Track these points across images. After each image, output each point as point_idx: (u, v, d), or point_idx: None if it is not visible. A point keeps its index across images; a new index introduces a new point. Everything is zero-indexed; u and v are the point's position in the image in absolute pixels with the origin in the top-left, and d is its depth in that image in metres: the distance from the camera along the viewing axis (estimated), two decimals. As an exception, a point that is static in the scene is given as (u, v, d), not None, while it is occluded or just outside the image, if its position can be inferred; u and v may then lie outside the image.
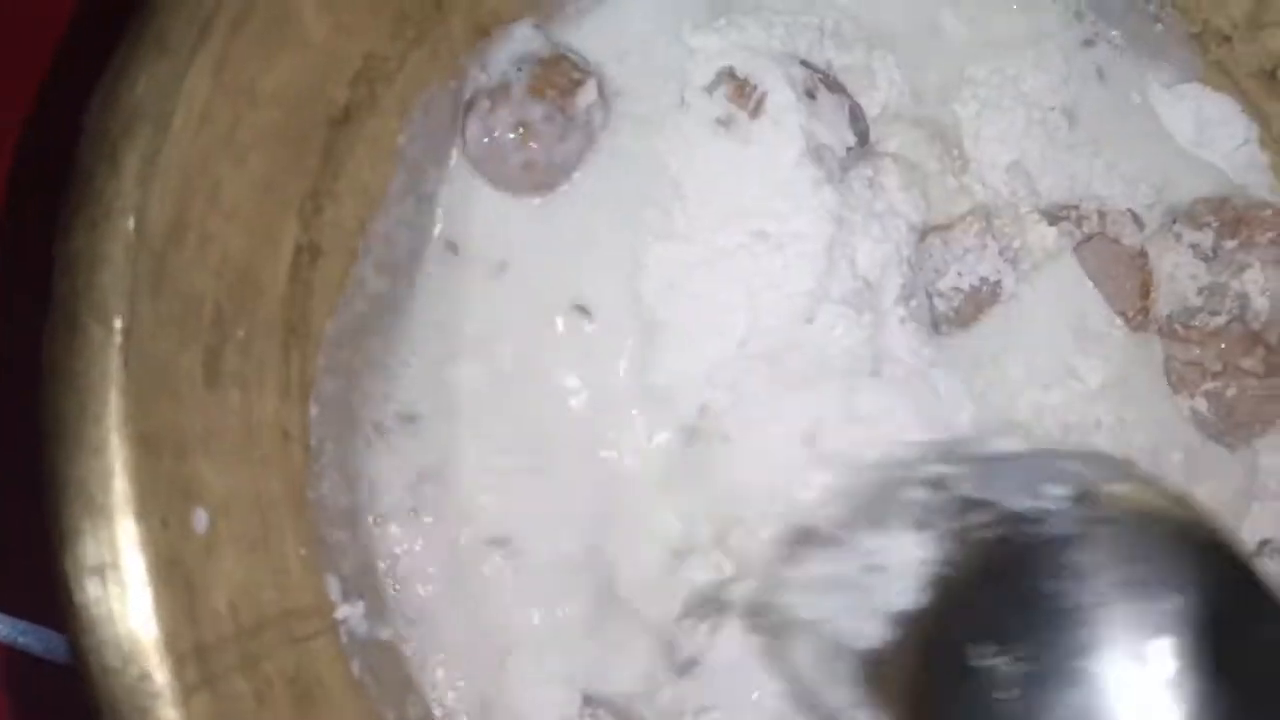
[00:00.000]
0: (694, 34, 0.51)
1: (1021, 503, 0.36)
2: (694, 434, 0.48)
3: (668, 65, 0.51)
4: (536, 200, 0.50)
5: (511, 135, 0.48)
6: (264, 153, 0.39)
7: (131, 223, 0.34)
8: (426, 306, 0.49)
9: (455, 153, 0.49)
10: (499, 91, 0.49)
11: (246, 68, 0.37)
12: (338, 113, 0.42)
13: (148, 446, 0.34)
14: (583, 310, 0.49)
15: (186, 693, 0.34)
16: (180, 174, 0.36)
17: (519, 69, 0.49)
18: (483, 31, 0.48)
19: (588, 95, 0.49)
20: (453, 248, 0.50)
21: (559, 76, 0.49)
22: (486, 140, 0.48)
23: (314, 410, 0.43)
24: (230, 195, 0.38)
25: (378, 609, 0.44)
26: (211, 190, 0.37)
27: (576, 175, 0.49)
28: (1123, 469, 0.41)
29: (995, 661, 0.32)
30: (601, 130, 0.49)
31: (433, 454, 0.47)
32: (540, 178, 0.49)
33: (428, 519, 0.47)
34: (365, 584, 0.45)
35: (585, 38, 0.52)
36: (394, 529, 0.46)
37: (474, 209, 0.50)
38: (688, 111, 0.50)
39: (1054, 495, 0.35)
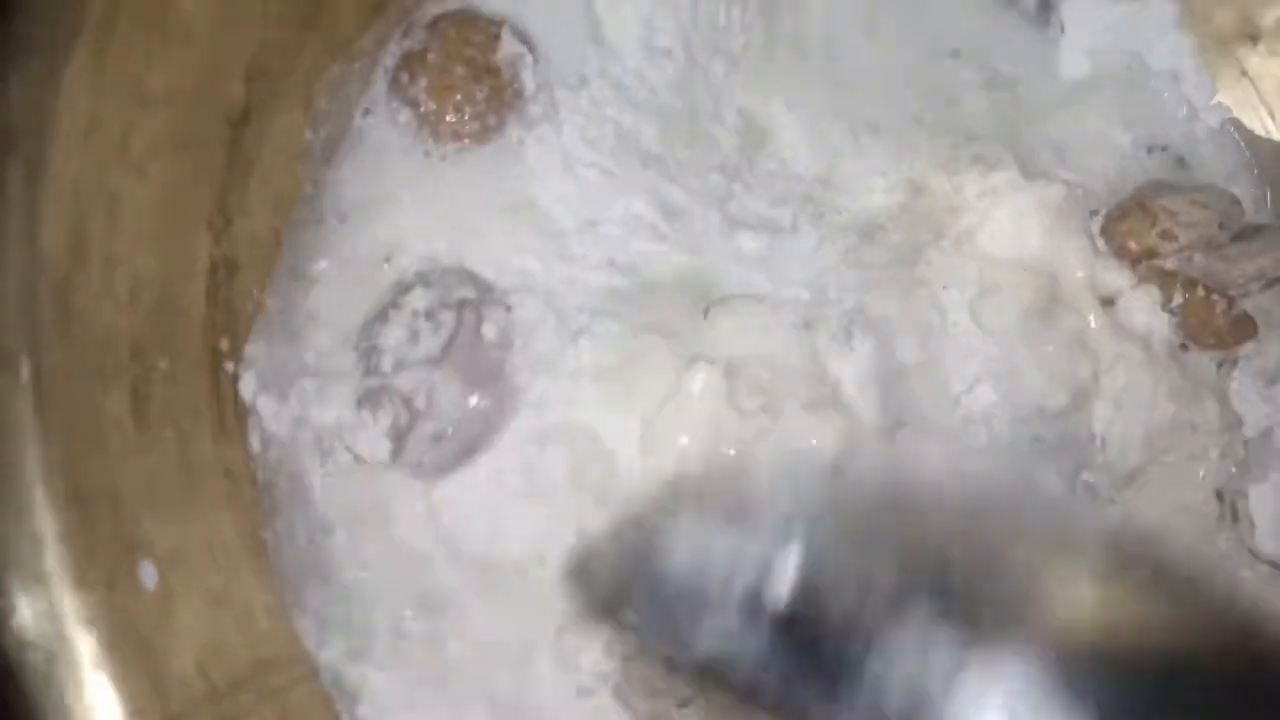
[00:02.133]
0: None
1: None
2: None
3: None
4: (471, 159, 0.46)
5: (434, 105, 0.45)
6: (163, 162, 0.35)
7: (23, 252, 0.30)
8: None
9: (370, 132, 0.46)
10: (415, 60, 0.45)
11: (128, 66, 0.33)
12: (237, 113, 0.39)
13: (79, 502, 0.30)
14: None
15: (166, 772, 0.30)
16: (72, 189, 0.31)
17: (431, 34, 0.46)
18: (376, 7, 0.44)
19: (508, 46, 0.46)
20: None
21: (474, 34, 0.46)
22: (413, 112, 0.45)
23: (255, 442, 0.39)
24: (132, 211, 0.34)
25: (357, 647, 0.41)
26: (110, 205, 0.33)
27: (511, 131, 0.46)
28: None
29: None
30: (532, 83, 0.46)
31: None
32: (476, 140, 0.46)
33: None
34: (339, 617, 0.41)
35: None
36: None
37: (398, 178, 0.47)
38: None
39: None
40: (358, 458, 0.43)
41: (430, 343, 0.44)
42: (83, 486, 0.31)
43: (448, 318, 0.44)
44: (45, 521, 0.29)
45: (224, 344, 0.38)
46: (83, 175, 0.32)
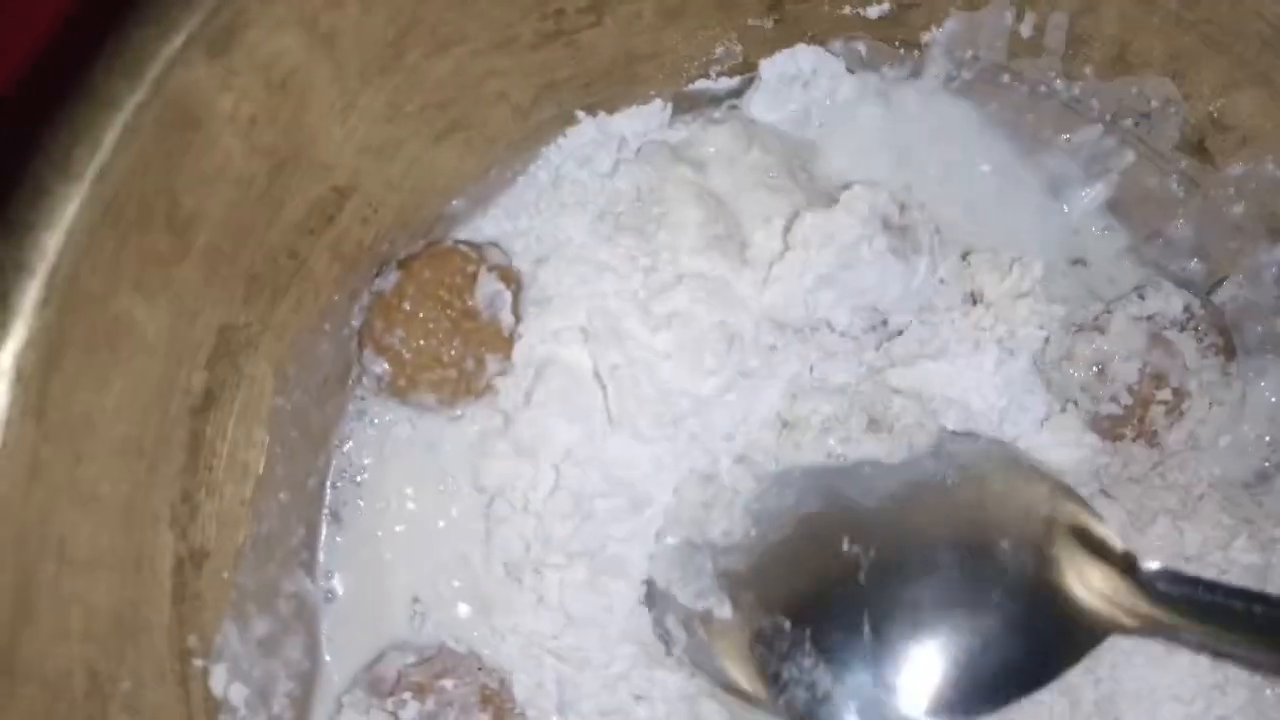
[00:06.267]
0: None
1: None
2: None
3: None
4: (457, 411, 0.46)
5: (410, 355, 0.44)
6: (116, 478, 0.34)
7: (-37, 623, 0.29)
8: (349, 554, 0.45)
9: (349, 385, 0.45)
10: (391, 309, 0.44)
11: (76, 398, 0.32)
12: (198, 400, 0.38)
13: None
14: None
15: None
16: (16, 547, 0.31)
17: (404, 277, 0.45)
18: (351, 262, 0.43)
19: (486, 285, 0.45)
20: (360, 486, 0.46)
21: (450, 274, 0.45)
22: (389, 362, 0.44)
23: (226, 734, 0.38)
24: (84, 542, 0.33)
25: None
26: (59, 547, 0.32)
27: (496, 379, 0.45)
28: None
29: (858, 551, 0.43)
30: (510, 317, 0.45)
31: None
32: (456, 389, 0.45)
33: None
34: None
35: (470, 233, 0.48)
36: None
37: (384, 435, 0.46)
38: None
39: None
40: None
41: None
42: None
43: None
44: None
45: (192, 640, 0.37)
46: (26, 527, 0.31)
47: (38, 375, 0.31)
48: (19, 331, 0.31)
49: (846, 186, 0.45)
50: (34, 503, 0.31)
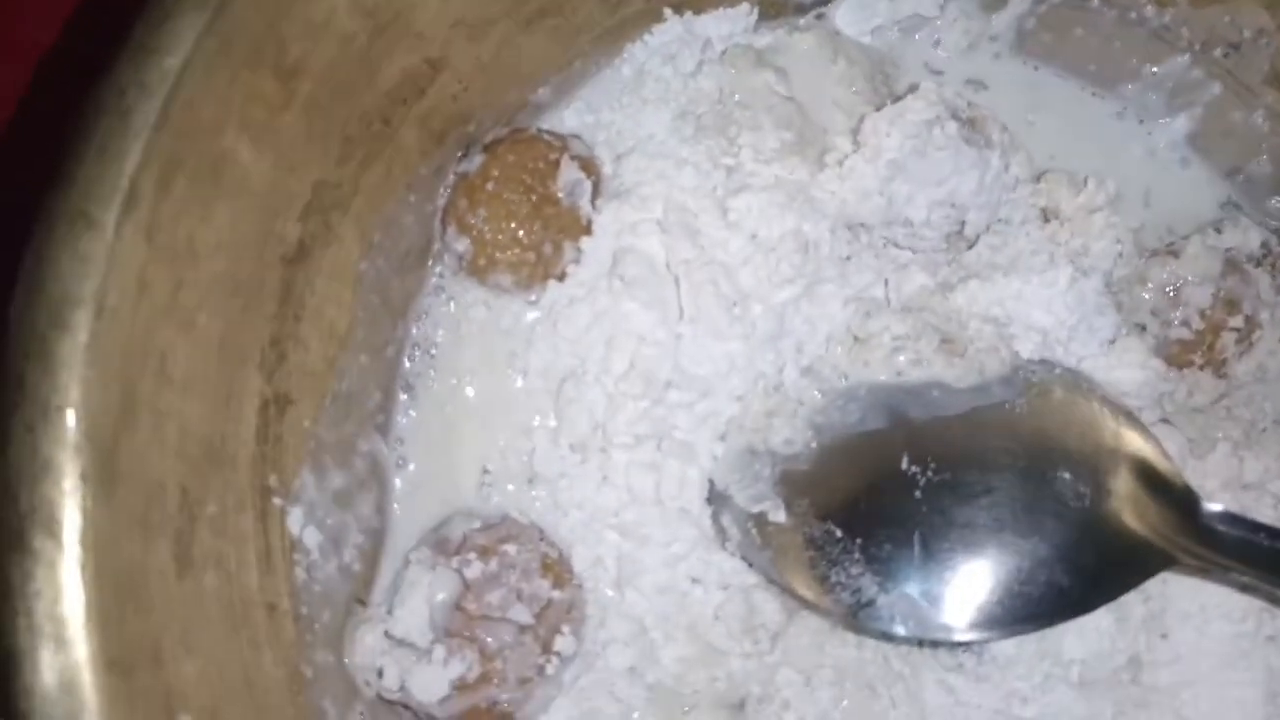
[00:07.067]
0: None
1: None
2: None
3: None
4: (532, 296, 0.47)
5: (491, 234, 0.45)
6: (213, 310, 0.36)
7: (73, 420, 0.31)
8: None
9: (430, 261, 0.47)
10: (474, 189, 0.45)
11: (182, 224, 0.34)
12: (291, 250, 0.39)
13: (120, 669, 0.31)
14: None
15: None
16: (122, 355, 0.32)
17: (489, 159, 0.46)
18: (438, 138, 0.44)
19: (568, 173, 0.46)
20: (435, 360, 0.47)
21: (533, 159, 0.46)
22: (470, 241, 0.45)
23: (299, 576, 0.39)
24: (181, 364, 0.34)
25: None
26: (159, 363, 0.34)
27: (571, 266, 0.46)
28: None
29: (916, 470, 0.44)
30: (589, 207, 0.46)
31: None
32: (533, 272, 0.46)
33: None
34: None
35: (553, 123, 0.49)
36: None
37: (461, 313, 0.47)
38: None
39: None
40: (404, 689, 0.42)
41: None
42: (124, 651, 0.31)
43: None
44: (88, 696, 0.30)
45: (273, 480, 0.39)
46: (132, 339, 0.32)
47: (150, 195, 0.33)
48: (135, 151, 0.32)
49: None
50: (140, 317, 0.33)
